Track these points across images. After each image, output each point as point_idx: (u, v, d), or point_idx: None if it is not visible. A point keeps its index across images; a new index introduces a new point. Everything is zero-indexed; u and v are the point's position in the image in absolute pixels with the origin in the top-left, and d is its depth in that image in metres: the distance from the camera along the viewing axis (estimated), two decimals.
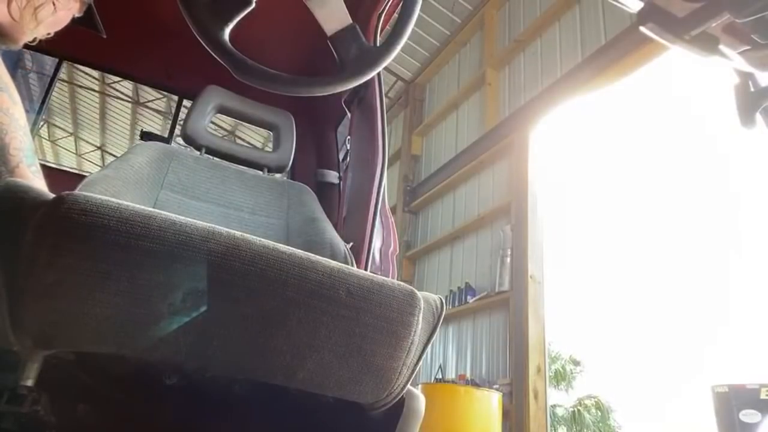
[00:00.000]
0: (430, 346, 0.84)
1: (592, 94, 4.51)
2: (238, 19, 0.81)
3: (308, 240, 1.53)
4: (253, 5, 0.81)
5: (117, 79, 9.26)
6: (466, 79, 6.38)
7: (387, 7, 1.64)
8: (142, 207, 0.69)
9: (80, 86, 10.36)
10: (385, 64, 0.89)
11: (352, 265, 1.37)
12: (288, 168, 1.89)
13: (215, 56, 0.82)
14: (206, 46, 0.81)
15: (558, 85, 4.74)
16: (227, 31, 0.81)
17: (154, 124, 10.53)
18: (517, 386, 4.23)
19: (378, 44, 0.95)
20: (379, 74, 1.66)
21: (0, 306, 0.65)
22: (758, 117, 0.66)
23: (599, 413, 14.70)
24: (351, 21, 0.87)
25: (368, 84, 1.76)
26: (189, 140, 1.73)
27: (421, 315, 0.80)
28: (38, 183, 0.98)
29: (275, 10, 1.55)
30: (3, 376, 0.73)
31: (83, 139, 12.73)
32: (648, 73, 4.04)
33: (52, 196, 0.67)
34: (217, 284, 0.70)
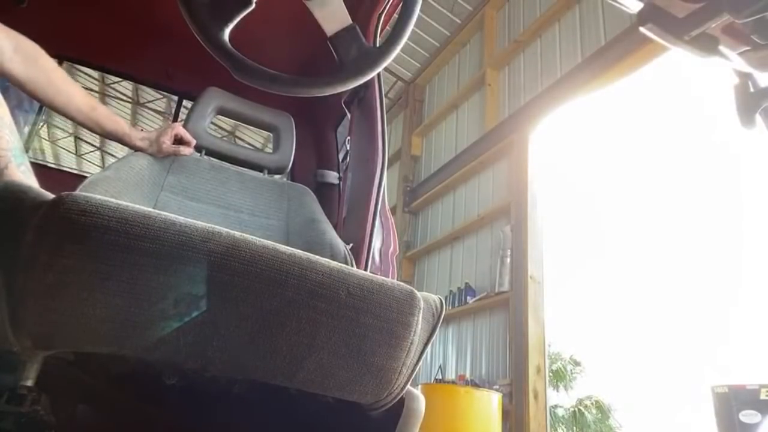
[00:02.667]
0: (429, 346, 0.84)
1: (592, 95, 4.51)
2: (238, 19, 0.81)
3: (308, 241, 1.53)
4: (253, 5, 0.81)
5: (117, 79, 9.25)
6: (465, 80, 6.38)
7: (387, 8, 1.64)
8: (142, 207, 0.70)
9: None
10: (384, 64, 0.89)
11: (352, 266, 1.37)
12: (288, 169, 1.90)
13: (215, 56, 0.82)
14: (206, 47, 0.81)
15: (558, 86, 4.74)
16: (227, 31, 0.81)
17: (154, 125, 10.53)
18: (517, 387, 4.23)
19: (378, 45, 0.95)
20: (378, 74, 1.66)
21: (0, 306, 0.65)
22: (758, 118, 0.66)
23: (599, 413, 14.70)
24: (351, 21, 0.87)
25: (368, 84, 1.76)
26: None
27: (420, 315, 0.80)
28: (30, 182, 0.96)
29: (275, 10, 1.55)
30: (3, 376, 0.73)
31: (83, 140, 12.73)
32: (648, 73, 4.04)
33: (51, 196, 0.67)
34: (217, 284, 0.70)
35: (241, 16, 0.81)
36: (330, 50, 0.90)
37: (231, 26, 0.81)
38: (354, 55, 0.86)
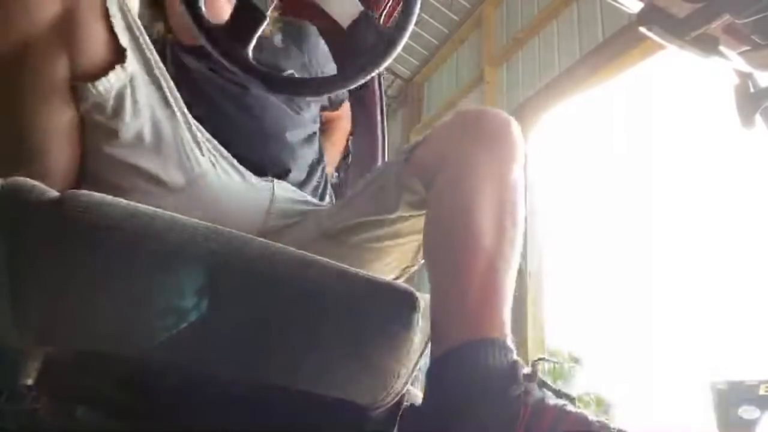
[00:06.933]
0: (429, 346, 0.84)
1: (590, 92, 4.51)
2: (257, 35, 0.81)
3: None
4: (267, 19, 0.81)
5: None
6: (464, 78, 6.38)
7: (387, 8, 1.64)
8: (144, 206, 0.70)
9: None
10: (402, 43, 0.88)
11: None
12: None
13: (244, 76, 0.82)
14: (233, 69, 0.81)
15: (556, 83, 4.74)
16: (250, 49, 0.81)
17: None
18: None
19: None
20: (378, 74, 1.66)
21: (2, 304, 0.66)
22: (758, 118, 0.66)
23: (599, 409, 14.74)
24: (363, 8, 0.86)
25: (368, 83, 1.76)
26: None
27: (420, 316, 0.80)
28: None
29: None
30: (3, 375, 0.73)
31: None
32: (648, 69, 4.05)
33: (55, 194, 0.67)
34: (218, 284, 0.70)
35: (259, 32, 0.81)
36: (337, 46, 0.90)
37: (253, 43, 0.81)
38: (373, 41, 0.86)
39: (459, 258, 0.75)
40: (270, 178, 1.12)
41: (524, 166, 0.87)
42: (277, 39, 1.28)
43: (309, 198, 1.17)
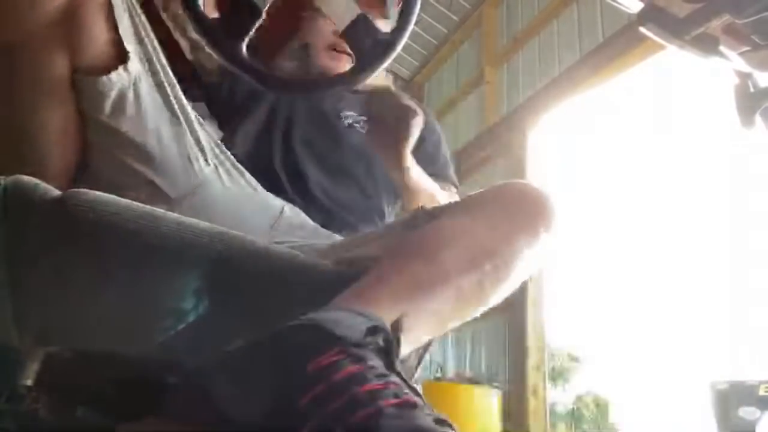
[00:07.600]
0: (430, 344, 0.84)
1: (590, 92, 4.51)
2: (252, 31, 0.80)
3: None
4: (264, 16, 0.80)
5: None
6: (464, 78, 6.38)
7: None
8: (148, 206, 0.70)
9: None
10: (400, 45, 0.88)
11: None
12: None
13: (240, 73, 0.82)
14: (229, 65, 0.81)
15: (557, 83, 4.75)
16: (244, 45, 0.81)
17: None
18: (517, 384, 4.24)
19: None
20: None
21: (3, 303, 0.66)
22: (758, 118, 0.66)
23: (597, 409, 14.71)
24: (360, 11, 0.86)
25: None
26: None
27: None
28: None
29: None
30: (3, 375, 0.73)
31: None
32: (649, 69, 4.05)
33: (59, 192, 0.67)
34: (221, 285, 0.70)
35: (255, 27, 0.80)
36: None
37: (247, 40, 0.80)
38: (371, 43, 0.85)
39: (402, 256, 0.67)
40: (281, 199, 1.10)
41: (544, 243, 0.80)
42: None
43: (318, 227, 1.13)
